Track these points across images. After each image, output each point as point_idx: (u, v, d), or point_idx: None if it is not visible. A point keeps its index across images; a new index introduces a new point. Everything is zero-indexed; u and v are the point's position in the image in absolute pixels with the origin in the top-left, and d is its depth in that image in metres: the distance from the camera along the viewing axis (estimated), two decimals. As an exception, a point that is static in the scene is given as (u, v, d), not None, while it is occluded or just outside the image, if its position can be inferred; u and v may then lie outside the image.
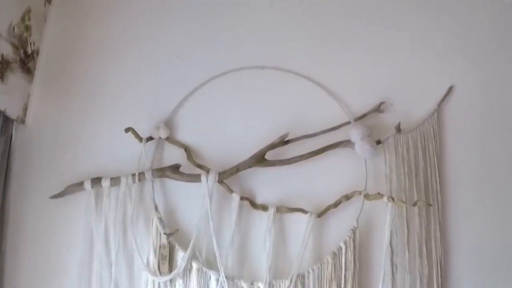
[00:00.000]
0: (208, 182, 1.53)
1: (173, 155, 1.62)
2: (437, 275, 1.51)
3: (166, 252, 1.50)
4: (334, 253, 1.52)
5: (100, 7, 1.78)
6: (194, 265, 1.50)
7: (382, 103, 1.68)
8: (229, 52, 1.75)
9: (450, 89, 1.72)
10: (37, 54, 1.72)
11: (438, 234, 1.55)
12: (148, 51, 1.75)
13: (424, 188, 1.59)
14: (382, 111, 1.68)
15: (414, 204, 1.49)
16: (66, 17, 1.77)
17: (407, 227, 1.54)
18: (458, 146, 1.68)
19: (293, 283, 1.47)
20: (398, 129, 1.63)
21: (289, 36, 1.77)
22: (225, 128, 1.68)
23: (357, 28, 1.79)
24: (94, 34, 1.76)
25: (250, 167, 1.57)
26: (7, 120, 1.59)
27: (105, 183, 1.55)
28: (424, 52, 1.76)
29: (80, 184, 1.56)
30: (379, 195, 1.51)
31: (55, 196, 1.57)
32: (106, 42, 1.75)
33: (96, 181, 1.55)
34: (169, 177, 1.58)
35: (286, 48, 1.76)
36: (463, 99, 1.73)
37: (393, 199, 1.50)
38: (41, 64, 1.72)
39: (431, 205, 1.55)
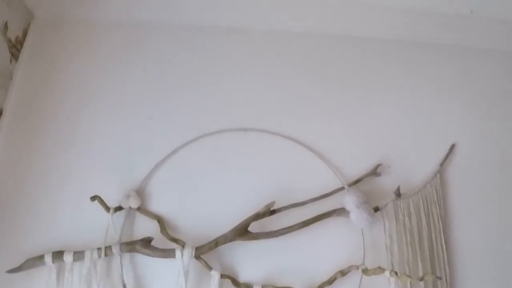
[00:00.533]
0: (183, 258, 1.44)
1: (144, 227, 1.53)
2: None
3: (135, 336, 1.43)
4: (330, 338, 1.45)
5: (70, 65, 1.74)
6: None
7: (378, 165, 1.64)
8: (208, 113, 1.71)
9: (452, 147, 1.71)
10: (0, 113, 1.63)
11: (447, 310, 1.52)
12: (119, 111, 1.69)
13: (430, 259, 1.54)
14: (379, 175, 1.64)
15: (421, 279, 1.42)
16: (33, 76, 1.70)
17: (413, 303, 1.48)
18: (464, 209, 1.64)
19: None
20: (398, 194, 1.58)
21: (275, 97, 1.75)
22: (203, 197, 1.60)
23: (349, 86, 1.79)
24: (62, 94, 1.70)
25: (231, 240, 1.49)
26: (-37, 186, 1.51)
27: (68, 258, 1.45)
28: (422, 110, 1.77)
29: (41, 258, 1.45)
30: (380, 270, 1.44)
31: (12, 271, 1.46)
32: (74, 102, 1.70)
33: (58, 254, 1.45)
34: (140, 252, 1.48)
35: (271, 109, 1.73)
36: (466, 157, 1.71)
37: (396, 274, 1.42)
38: (4, 125, 1.63)
39: (440, 278, 1.49)
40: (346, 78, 1.79)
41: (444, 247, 1.54)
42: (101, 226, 1.49)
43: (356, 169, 1.63)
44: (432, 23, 1.83)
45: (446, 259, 1.53)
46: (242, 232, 1.48)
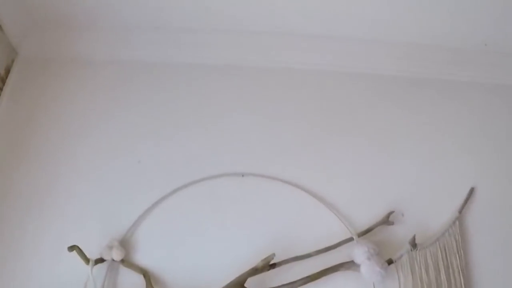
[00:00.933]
0: (171, 318, 1.35)
1: (128, 282, 1.46)
2: None
3: None
4: None
5: (54, 105, 1.71)
6: None
7: (391, 213, 1.58)
8: (201, 157, 1.66)
9: (472, 191, 1.65)
10: (-21, 154, 1.62)
11: None
12: (105, 154, 1.65)
13: (451, 318, 1.46)
14: (391, 223, 1.57)
15: None
16: (15, 114, 1.68)
17: None
18: (487, 260, 1.56)
19: None
20: (413, 244, 1.51)
21: (275, 139, 1.71)
22: (195, 249, 1.52)
23: (357, 126, 1.75)
24: (44, 134, 1.67)
25: (225, 298, 1.37)
26: None
27: (43, 314, 1.39)
28: (437, 152, 1.72)
29: (14, 314, 1.41)
30: (395, 331, 1.37)
31: (-17, 327, 1.41)
32: (57, 142, 1.66)
33: (32, 311, 1.40)
34: (122, 311, 1.39)
35: (271, 152, 1.68)
36: (488, 202, 1.64)
37: (413, 335, 1.37)
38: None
39: None
40: (353, 119, 1.77)
41: (466, 303, 1.49)
42: (80, 279, 1.41)
43: (366, 217, 1.57)
44: (446, 59, 1.82)
45: (469, 317, 1.47)
46: (238, 288, 1.35)
